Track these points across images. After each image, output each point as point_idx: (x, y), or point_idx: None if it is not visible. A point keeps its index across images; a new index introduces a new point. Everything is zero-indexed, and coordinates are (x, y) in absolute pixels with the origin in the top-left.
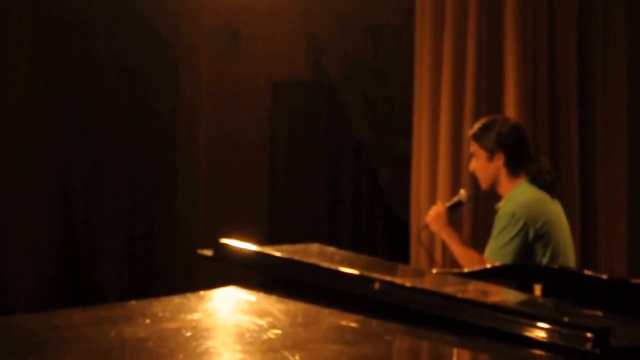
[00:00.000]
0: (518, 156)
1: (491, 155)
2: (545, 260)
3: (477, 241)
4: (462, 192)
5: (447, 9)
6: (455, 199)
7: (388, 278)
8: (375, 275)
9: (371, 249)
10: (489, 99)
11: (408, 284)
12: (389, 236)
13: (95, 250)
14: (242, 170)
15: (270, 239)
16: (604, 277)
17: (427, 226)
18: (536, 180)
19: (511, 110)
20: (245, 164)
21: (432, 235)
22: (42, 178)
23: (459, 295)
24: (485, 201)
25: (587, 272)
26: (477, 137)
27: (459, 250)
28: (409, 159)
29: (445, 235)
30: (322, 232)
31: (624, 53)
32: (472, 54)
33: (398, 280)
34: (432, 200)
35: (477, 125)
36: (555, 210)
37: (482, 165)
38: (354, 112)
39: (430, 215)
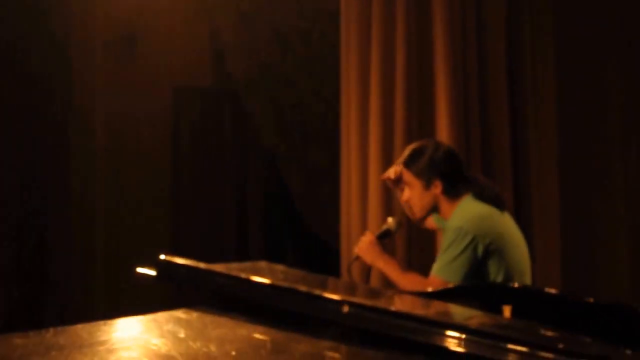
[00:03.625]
0: (455, 180)
1: (427, 183)
2: (499, 279)
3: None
4: (390, 220)
5: (373, 15)
6: (384, 228)
7: (356, 300)
8: (342, 297)
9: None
10: (420, 109)
11: (379, 306)
12: (300, 251)
13: None
14: (142, 182)
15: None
16: (573, 297)
17: (358, 258)
18: (480, 195)
19: (443, 118)
20: (145, 177)
21: (363, 267)
22: None
23: (440, 318)
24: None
25: (550, 290)
26: (408, 165)
27: (400, 276)
28: (321, 170)
29: (382, 264)
30: (228, 247)
31: (552, 62)
32: (401, 62)
33: (367, 302)
34: (364, 225)
35: (406, 152)
36: (506, 225)
37: (417, 194)
38: (261, 120)
39: (362, 248)
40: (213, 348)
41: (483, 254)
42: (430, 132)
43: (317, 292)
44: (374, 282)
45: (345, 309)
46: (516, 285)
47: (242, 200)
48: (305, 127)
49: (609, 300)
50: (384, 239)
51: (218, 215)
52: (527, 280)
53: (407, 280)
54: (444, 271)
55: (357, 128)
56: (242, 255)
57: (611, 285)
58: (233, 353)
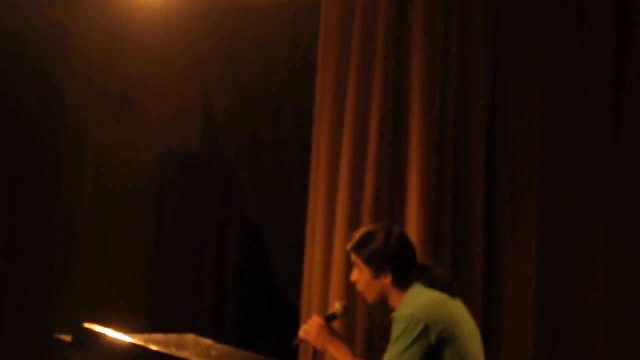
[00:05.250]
0: (406, 270)
1: (377, 273)
2: None
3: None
4: (337, 304)
5: (348, 92)
6: (330, 312)
7: None
8: None
9: (256, 337)
10: (392, 182)
11: None
12: (277, 325)
13: None
14: (125, 244)
15: (153, 314)
16: None
17: (302, 341)
18: (432, 282)
19: (413, 204)
20: (129, 238)
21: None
22: None
23: None
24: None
25: None
26: (357, 251)
27: None
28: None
29: (333, 348)
30: (205, 315)
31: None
32: (373, 147)
33: None
34: (325, 301)
35: (357, 236)
36: (459, 312)
37: (366, 280)
38: (247, 189)
39: (311, 332)
40: None
41: (436, 341)
42: (400, 218)
43: None
44: None
45: None
46: None
47: (221, 270)
48: (290, 198)
49: None
50: (330, 322)
51: (197, 284)
52: None
53: None
54: None
55: (323, 201)
56: (217, 328)
57: None
58: None
